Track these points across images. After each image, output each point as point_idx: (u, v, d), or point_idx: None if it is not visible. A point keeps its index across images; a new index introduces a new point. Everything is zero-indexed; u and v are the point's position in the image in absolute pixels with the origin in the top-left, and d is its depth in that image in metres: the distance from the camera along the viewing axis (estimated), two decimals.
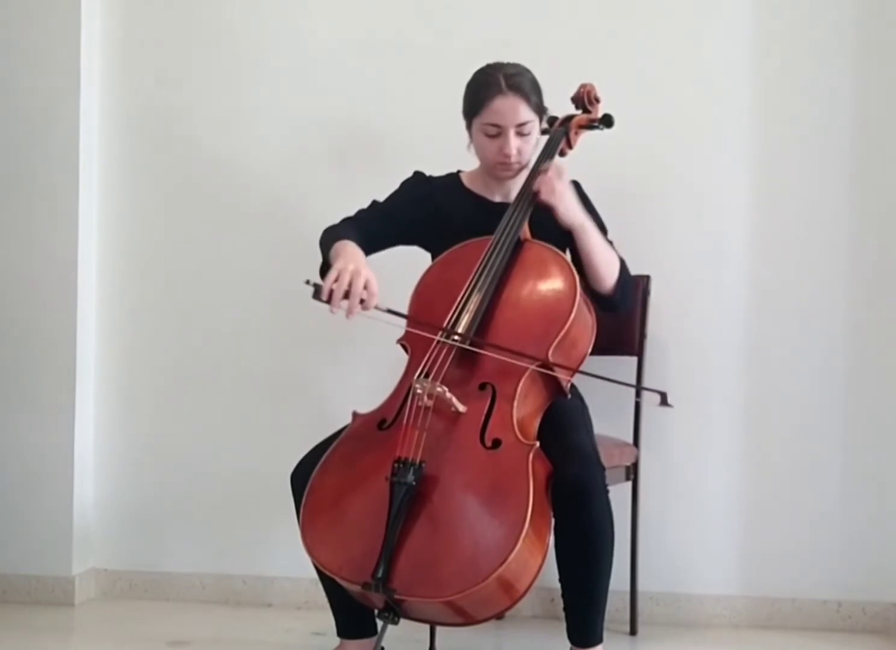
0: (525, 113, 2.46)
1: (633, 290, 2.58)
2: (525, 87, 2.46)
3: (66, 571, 3.17)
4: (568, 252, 2.48)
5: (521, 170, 2.55)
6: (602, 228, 2.59)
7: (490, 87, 2.46)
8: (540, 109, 2.52)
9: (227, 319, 3.23)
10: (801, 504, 2.98)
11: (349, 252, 2.31)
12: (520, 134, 2.48)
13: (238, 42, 3.23)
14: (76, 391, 3.19)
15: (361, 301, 2.20)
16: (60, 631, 2.96)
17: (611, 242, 2.56)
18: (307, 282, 2.17)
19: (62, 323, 3.19)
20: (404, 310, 2.38)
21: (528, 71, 2.52)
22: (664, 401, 2.18)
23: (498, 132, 2.48)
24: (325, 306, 2.19)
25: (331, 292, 2.18)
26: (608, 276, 2.44)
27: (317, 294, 2.17)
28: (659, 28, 3.05)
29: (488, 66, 2.51)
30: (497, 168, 2.54)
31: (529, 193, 2.43)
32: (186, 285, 3.26)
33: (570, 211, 2.41)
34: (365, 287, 2.20)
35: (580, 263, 2.45)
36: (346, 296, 2.18)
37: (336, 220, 2.56)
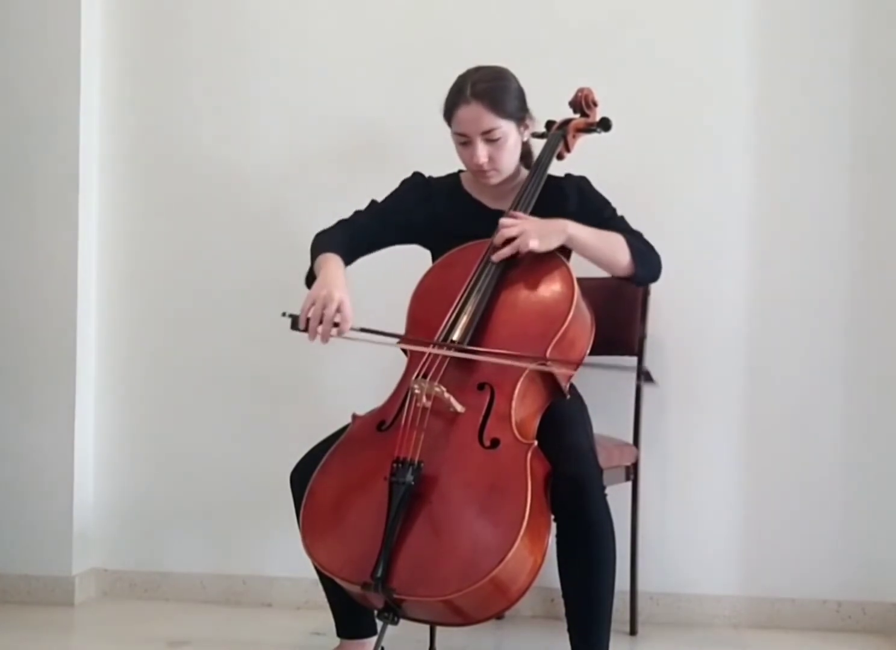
0: (489, 120, 2.42)
1: (652, 256, 2.49)
2: (491, 94, 2.42)
3: (66, 571, 3.17)
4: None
5: (506, 177, 2.52)
6: (606, 206, 2.56)
7: (456, 94, 2.45)
8: (516, 115, 2.46)
9: (228, 319, 3.24)
10: (801, 504, 2.98)
11: (328, 272, 2.31)
12: (488, 141, 2.44)
13: (239, 44, 3.24)
14: (76, 391, 3.19)
15: (336, 325, 2.21)
16: (60, 631, 2.96)
17: (622, 218, 2.54)
18: (283, 314, 2.21)
19: (62, 323, 3.19)
20: (403, 312, 2.38)
21: (502, 76, 2.47)
22: (648, 377, 2.21)
23: (466, 141, 2.46)
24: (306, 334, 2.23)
25: (307, 321, 2.21)
26: (618, 260, 2.41)
27: (294, 325, 2.23)
28: (658, 33, 3.05)
29: (465, 72, 2.48)
30: (476, 175, 2.52)
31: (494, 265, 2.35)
32: (186, 286, 3.27)
33: (549, 239, 2.34)
34: (338, 310, 2.21)
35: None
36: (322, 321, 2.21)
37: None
